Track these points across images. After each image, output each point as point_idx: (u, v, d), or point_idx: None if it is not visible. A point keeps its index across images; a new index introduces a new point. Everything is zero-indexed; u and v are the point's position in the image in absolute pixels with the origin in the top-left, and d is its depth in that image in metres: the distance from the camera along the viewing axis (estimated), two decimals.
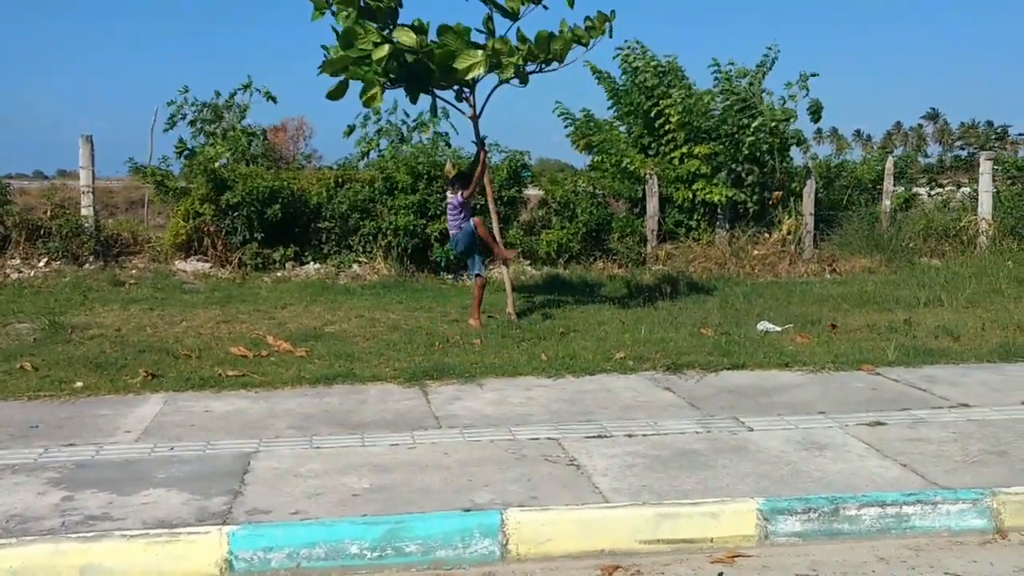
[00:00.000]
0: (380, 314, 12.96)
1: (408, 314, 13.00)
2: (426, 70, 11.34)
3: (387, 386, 9.13)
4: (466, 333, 11.44)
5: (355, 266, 16.93)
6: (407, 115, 21.79)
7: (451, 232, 12.22)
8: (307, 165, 23.25)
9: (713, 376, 9.48)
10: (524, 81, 11.23)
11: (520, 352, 10.41)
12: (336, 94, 11.33)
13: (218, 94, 20.89)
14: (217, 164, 17.62)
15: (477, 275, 12.27)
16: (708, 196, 18.60)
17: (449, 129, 22.18)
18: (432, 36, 11.36)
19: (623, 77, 19.80)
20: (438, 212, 16.90)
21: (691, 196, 18.74)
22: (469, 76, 11.02)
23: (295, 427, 7.80)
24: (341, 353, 10.34)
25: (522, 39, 11.37)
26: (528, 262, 17.76)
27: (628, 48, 19.36)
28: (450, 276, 16.79)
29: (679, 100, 18.75)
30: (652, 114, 19.14)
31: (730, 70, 19.52)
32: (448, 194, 12.16)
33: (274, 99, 20.66)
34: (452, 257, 15.70)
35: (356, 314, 12.89)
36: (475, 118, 11.87)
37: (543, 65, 11.45)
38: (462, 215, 12.04)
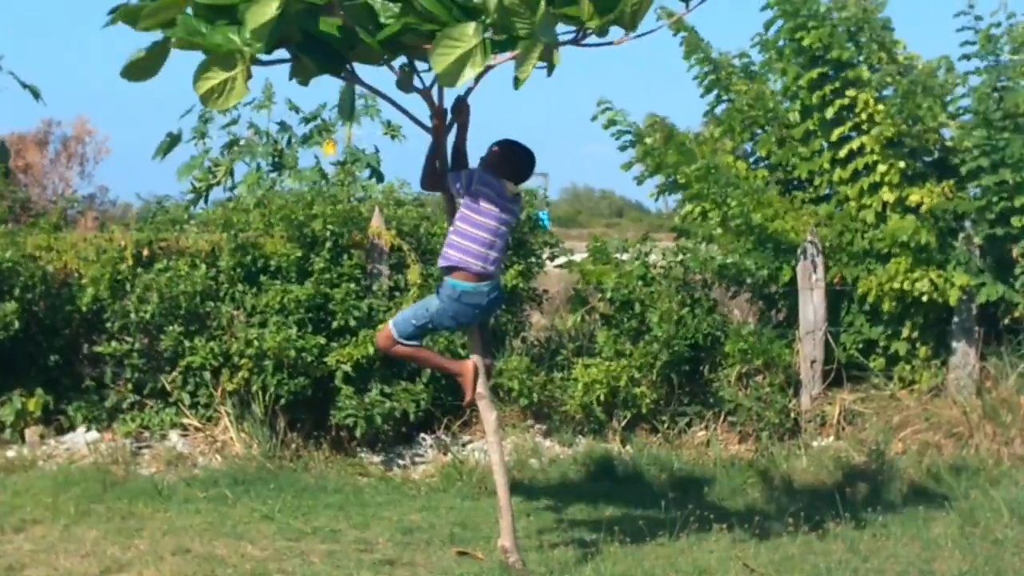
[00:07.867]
0: (225, 546, 9.07)
1: (286, 545, 9.11)
2: (347, 33, 7.38)
3: None
4: None
5: (174, 435, 11.15)
6: (297, 109, 12.97)
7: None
8: (80, 219, 14.51)
9: None
10: (551, 66, 7.42)
11: None
12: (142, 69, 7.13)
13: None
14: None
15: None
16: (932, 293, 11.18)
17: (380, 139, 13.51)
18: None
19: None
20: (348, 317, 11.04)
21: (899, 288, 11.34)
22: (460, 82, 7.23)
23: None
24: None
25: None
26: (543, 431, 11.72)
27: None
28: (376, 457, 11.05)
29: (888, 75, 11.43)
30: (822, 110, 11.56)
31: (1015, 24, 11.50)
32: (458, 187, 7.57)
33: (36, 93, 11.95)
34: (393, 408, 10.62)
35: (175, 546, 8.98)
36: (441, 125, 7.80)
37: (587, 32, 7.46)
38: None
